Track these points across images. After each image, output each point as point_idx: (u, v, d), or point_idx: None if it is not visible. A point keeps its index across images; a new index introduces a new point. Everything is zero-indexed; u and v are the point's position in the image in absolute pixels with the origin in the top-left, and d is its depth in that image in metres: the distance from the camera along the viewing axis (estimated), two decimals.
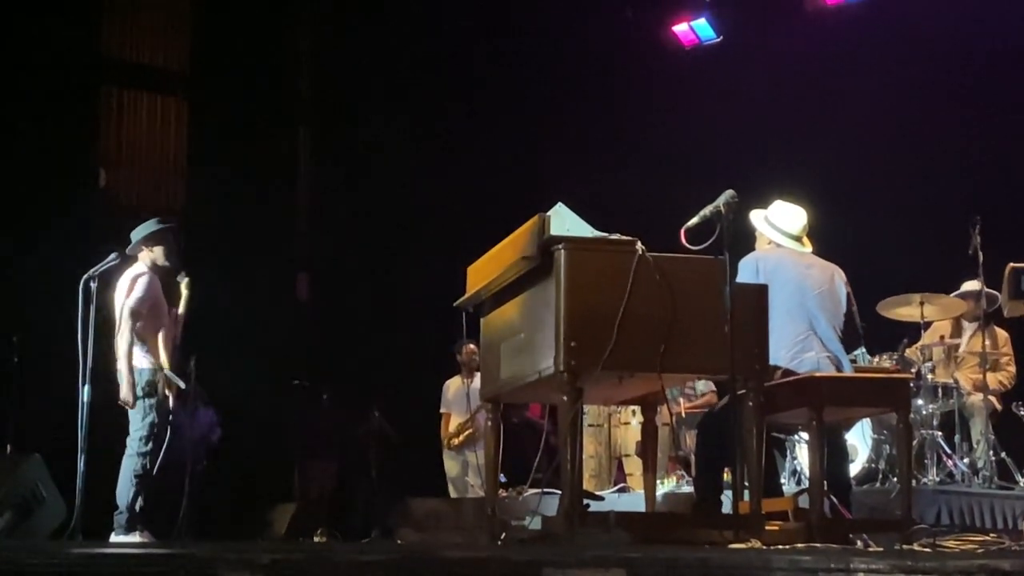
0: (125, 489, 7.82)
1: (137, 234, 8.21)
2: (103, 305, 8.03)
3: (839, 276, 6.69)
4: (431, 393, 11.20)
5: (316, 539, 10.10)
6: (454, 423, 10.89)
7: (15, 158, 11.04)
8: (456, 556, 4.03)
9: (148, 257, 8.16)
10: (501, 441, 6.34)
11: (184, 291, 8.31)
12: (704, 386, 9.94)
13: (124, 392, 7.88)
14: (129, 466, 7.86)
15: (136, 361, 7.97)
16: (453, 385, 11.02)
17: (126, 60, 12.37)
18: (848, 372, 6.57)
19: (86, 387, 7.89)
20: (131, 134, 12.34)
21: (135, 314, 7.94)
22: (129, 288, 8.01)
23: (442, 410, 11.06)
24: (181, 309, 8.28)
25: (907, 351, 9.13)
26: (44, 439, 9.20)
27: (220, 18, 12.57)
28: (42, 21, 11.32)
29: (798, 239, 6.74)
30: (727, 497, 6.28)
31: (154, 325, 8.06)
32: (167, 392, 7.99)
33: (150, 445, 7.89)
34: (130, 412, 7.96)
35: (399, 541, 9.59)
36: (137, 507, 7.82)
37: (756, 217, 6.79)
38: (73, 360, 7.96)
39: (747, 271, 6.32)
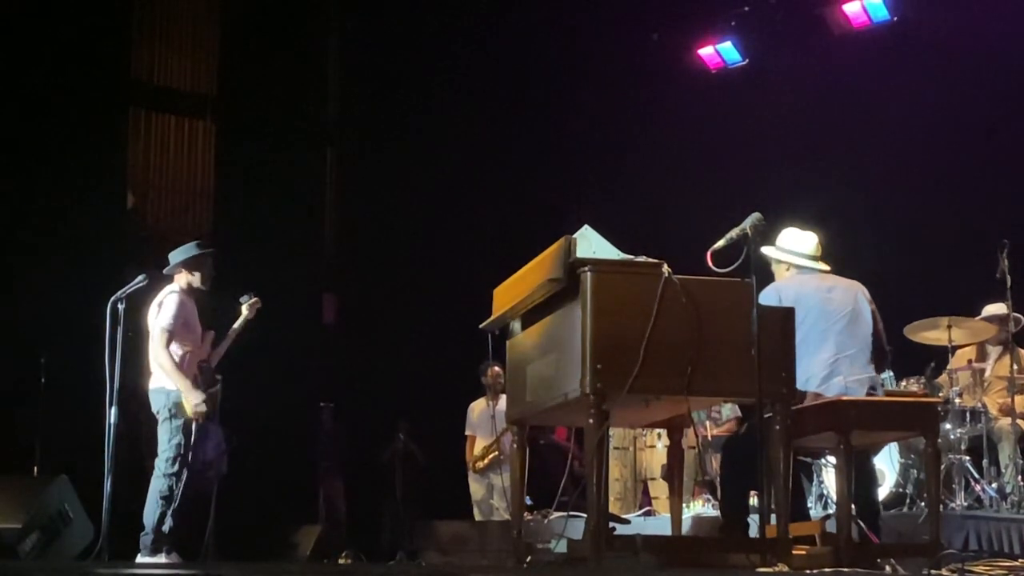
0: (152, 510, 7.86)
1: (176, 256, 8.28)
2: (132, 326, 8.08)
3: (863, 295, 6.65)
4: (456, 415, 11.19)
5: (341, 561, 10.10)
6: (479, 446, 10.87)
7: (44, 179, 11.11)
8: None
9: (185, 279, 8.24)
10: (527, 464, 6.33)
11: (244, 311, 8.46)
12: (730, 411, 9.90)
13: (194, 403, 7.93)
14: (156, 487, 7.90)
15: (164, 382, 8.01)
16: (478, 407, 11.01)
17: (154, 83, 12.45)
18: (877, 394, 6.54)
19: (113, 408, 7.93)
20: (159, 157, 12.40)
21: (167, 331, 8.00)
22: (159, 308, 8.07)
23: (467, 432, 11.04)
24: (236, 324, 8.41)
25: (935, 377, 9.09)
26: (71, 460, 9.23)
27: (248, 42, 12.65)
28: (72, 44, 11.40)
29: (814, 258, 6.71)
30: (754, 521, 6.26)
31: (182, 346, 8.10)
32: (191, 415, 8.02)
33: (176, 466, 7.93)
34: (158, 433, 8.01)
35: (424, 564, 9.59)
36: (165, 528, 7.84)
37: (769, 249, 6.75)
38: (100, 381, 8.00)
39: (768, 302, 6.30)
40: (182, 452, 7.95)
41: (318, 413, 12.10)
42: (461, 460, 11.08)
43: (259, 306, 8.53)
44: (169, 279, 8.28)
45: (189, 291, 8.22)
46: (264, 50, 12.65)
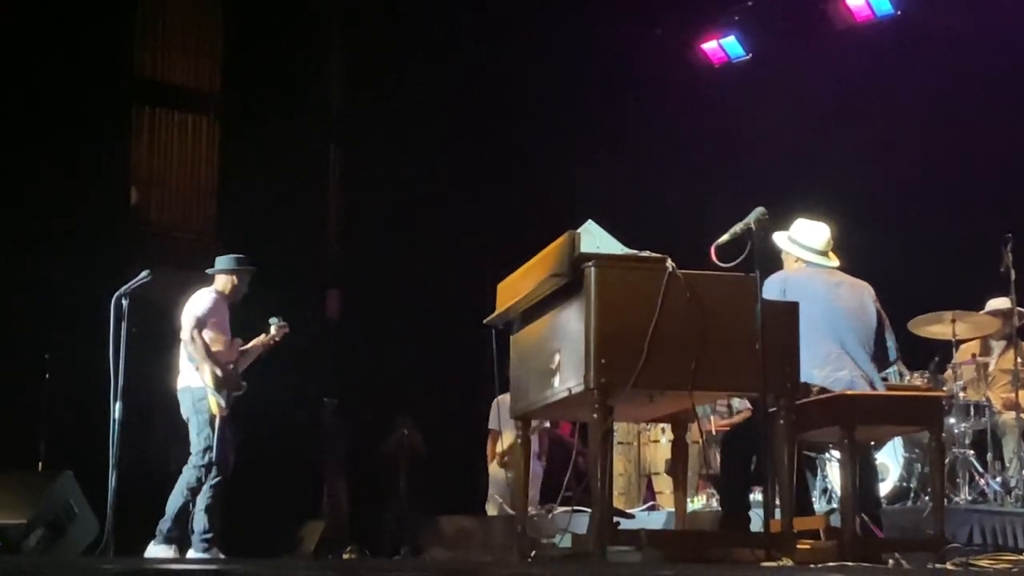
0: (176, 500, 8.02)
1: (222, 262, 8.56)
2: (135, 322, 8.12)
3: (868, 294, 6.67)
4: (460, 410, 11.18)
5: (345, 556, 10.10)
6: (506, 441, 10.75)
7: (47, 176, 11.11)
8: (493, 574, 4.02)
9: (224, 285, 8.46)
10: (531, 459, 6.34)
11: (272, 331, 8.69)
12: (740, 404, 9.88)
13: (221, 400, 8.03)
14: (186, 477, 8.12)
15: (189, 381, 8.14)
16: (503, 403, 10.88)
17: (158, 79, 12.44)
18: (880, 390, 6.54)
19: (117, 404, 7.96)
20: (162, 153, 12.40)
21: (198, 319, 8.19)
22: (194, 303, 8.28)
23: (491, 427, 10.89)
24: (255, 342, 8.58)
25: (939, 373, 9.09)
26: (76, 456, 9.24)
27: (251, 38, 12.63)
28: (75, 41, 11.40)
29: (823, 254, 6.72)
30: (758, 515, 6.26)
31: (212, 343, 8.22)
32: (215, 412, 8.12)
33: (205, 458, 8.07)
34: (190, 428, 8.14)
35: (427, 559, 9.59)
36: (205, 527, 8.03)
37: (780, 238, 6.78)
38: (104, 377, 8.03)
39: (773, 291, 6.30)
40: (211, 444, 8.08)
41: (322, 408, 12.09)
42: (464, 455, 11.04)
43: (287, 331, 8.68)
44: (208, 281, 8.42)
45: (224, 296, 8.38)
46: (267, 46, 12.63)
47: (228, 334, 8.45)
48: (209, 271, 8.62)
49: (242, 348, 8.57)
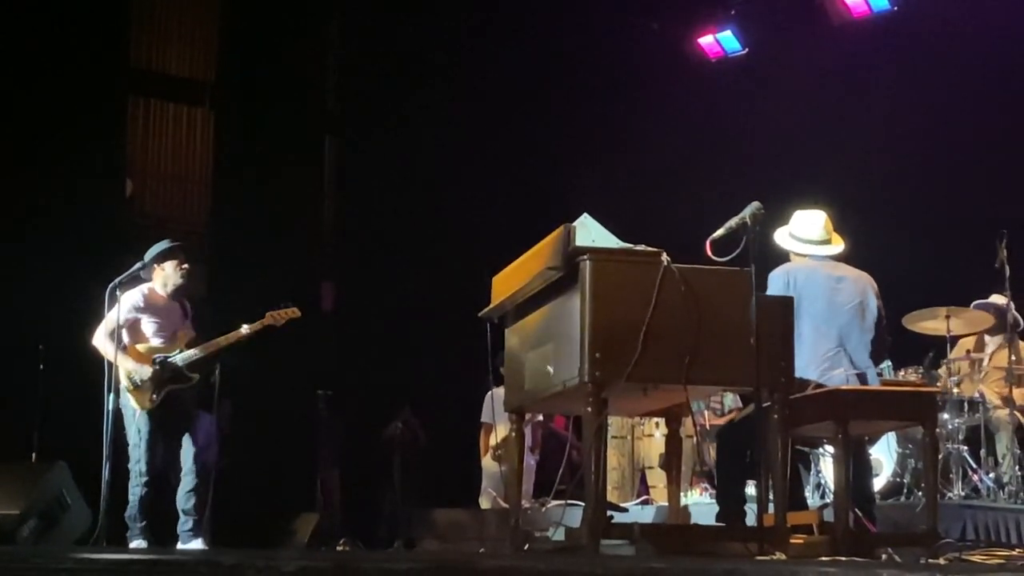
0: (133, 490, 7.98)
1: (148, 254, 8.27)
2: None
3: (872, 289, 6.66)
4: (455, 403, 11.17)
5: (339, 549, 10.10)
6: (500, 434, 10.74)
7: (42, 167, 11.09)
8: (487, 566, 4.02)
9: (159, 276, 8.21)
10: (526, 452, 6.35)
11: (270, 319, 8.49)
12: (732, 401, 9.88)
13: (132, 401, 7.97)
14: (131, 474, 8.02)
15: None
16: (497, 396, 10.85)
17: (153, 71, 12.43)
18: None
19: (111, 395, 7.94)
20: (157, 145, 12.39)
21: (106, 325, 8.06)
22: (113, 311, 8.09)
23: (483, 420, 10.86)
24: (221, 339, 8.28)
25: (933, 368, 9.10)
26: (69, 447, 9.23)
27: (247, 30, 12.62)
28: (70, 32, 11.37)
29: (824, 242, 6.71)
30: (752, 510, 6.27)
31: (131, 342, 8.10)
32: (136, 408, 8.01)
33: (136, 453, 7.97)
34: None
35: (421, 551, 9.59)
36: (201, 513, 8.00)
37: (780, 236, 6.77)
38: (98, 368, 8.02)
39: (778, 283, 6.30)
40: (136, 441, 7.98)
41: (316, 401, 12.08)
42: (461, 448, 11.03)
43: (294, 314, 8.57)
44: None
45: (163, 288, 8.21)
46: (263, 37, 12.61)
47: (168, 329, 8.24)
48: (144, 274, 8.28)
49: (204, 344, 8.29)
